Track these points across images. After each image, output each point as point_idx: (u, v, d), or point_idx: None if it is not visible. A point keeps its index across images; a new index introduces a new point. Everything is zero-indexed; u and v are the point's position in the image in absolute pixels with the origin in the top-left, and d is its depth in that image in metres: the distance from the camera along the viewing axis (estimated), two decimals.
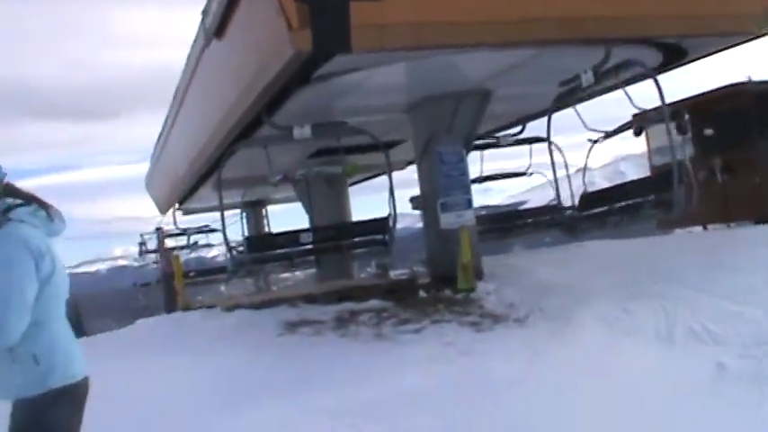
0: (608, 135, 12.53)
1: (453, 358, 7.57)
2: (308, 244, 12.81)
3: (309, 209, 16.58)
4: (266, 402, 6.59)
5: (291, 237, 13.07)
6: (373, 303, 10.38)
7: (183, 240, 28.74)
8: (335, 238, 13.43)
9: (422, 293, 11.20)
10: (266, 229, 21.79)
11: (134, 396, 7.28)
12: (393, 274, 15.58)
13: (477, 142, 14.23)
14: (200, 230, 27.95)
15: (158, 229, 23.39)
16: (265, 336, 9.34)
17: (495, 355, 7.46)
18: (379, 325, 9.26)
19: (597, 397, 5.96)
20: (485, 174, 15.41)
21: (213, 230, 26.81)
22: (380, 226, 12.80)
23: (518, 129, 14.84)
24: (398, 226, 12.84)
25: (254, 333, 9.55)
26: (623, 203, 11.67)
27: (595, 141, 13.16)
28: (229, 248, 13.68)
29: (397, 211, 12.44)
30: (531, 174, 14.84)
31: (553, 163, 13.82)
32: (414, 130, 12.72)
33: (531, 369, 6.89)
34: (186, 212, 24.35)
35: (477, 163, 14.83)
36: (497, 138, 14.87)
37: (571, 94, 11.13)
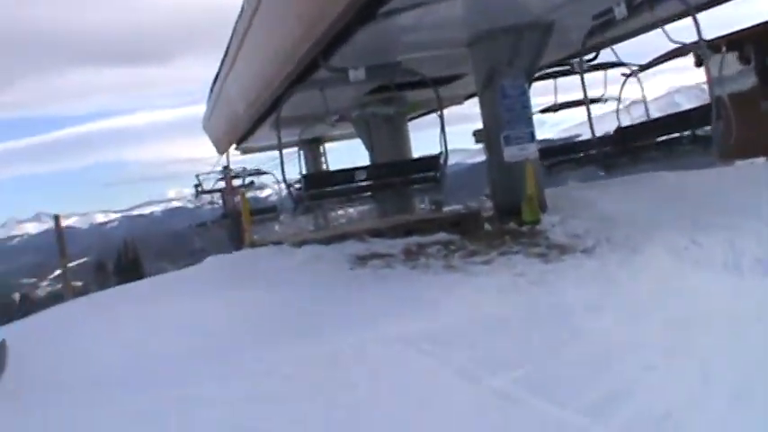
0: (643, 68, 12.36)
1: (525, 288, 7.72)
2: (362, 181, 13.10)
3: (369, 146, 16.73)
4: (343, 331, 6.76)
5: (347, 174, 13.26)
6: (440, 236, 10.56)
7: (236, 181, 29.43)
8: (389, 175, 13.59)
9: (487, 226, 11.37)
10: (324, 167, 21.94)
11: (205, 327, 7.60)
12: (446, 209, 15.79)
13: (550, 70, 14.17)
14: (250, 173, 28.55)
15: (226, 168, 23.58)
16: (337, 269, 9.56)
17: (568, 285, 7.59)
18: (448, 257, 9.45)
19: (672, 324, 6.06)
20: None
21: (264, 173, 27.34)
22: (432, 163, 12.98)
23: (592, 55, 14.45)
24: (452, 161, 12.99)
25: (326, 266, 9.79)
26: (661, 138, 11.47)
27: (629, 75, 13.00)
28: (288, 186, 13.98)
29: (450, 147, 12.64)
30: (606, 100, 14.53)
31: (587, 98, 13.69)
32: (474, 64, 12.70)
33: (605, 297, 6.99)
34: (244, 152, 24.69)
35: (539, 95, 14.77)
36: (572, 64, 14.61)
37: (604, 28, 10.90)
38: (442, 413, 4.67)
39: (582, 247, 9.33)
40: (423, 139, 18.38)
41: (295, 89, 12.76)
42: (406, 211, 16.22)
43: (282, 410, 4.94)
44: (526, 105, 12.02)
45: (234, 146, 23.44)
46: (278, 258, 10.65)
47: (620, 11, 9.85)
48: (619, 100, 13.60)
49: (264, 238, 16.07)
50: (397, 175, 13.40)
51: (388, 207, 16.15)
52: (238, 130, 20.38)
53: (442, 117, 13.02)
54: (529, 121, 11.97)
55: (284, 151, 15.02)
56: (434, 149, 13.01)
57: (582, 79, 12.39)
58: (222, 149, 25.52)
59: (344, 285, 8.79)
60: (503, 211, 11.98)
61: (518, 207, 11.29)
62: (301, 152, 21.07)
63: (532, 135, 11.89)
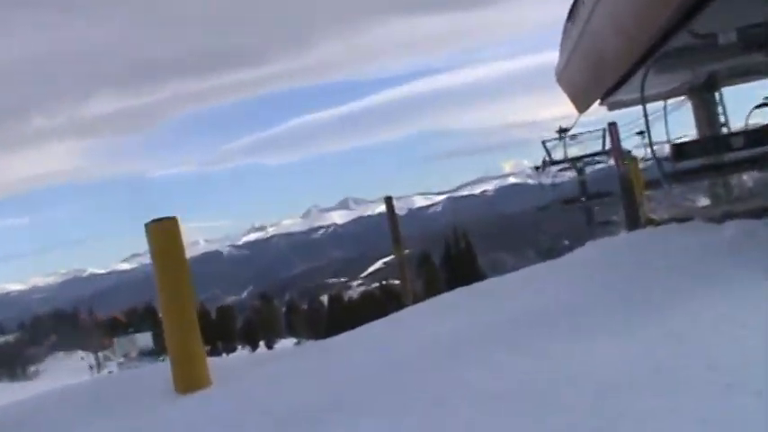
0: None
1: None
2: (739, 149, 11.36)
3: None
4: None
5: (720, 142, 12.24)
6: None
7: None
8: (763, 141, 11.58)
9: None
10: (722, 119, 18.04)
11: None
12: None
13: None
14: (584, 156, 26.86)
15: (612, 125, 21.17)
16: None
17: None
18: None
19: None
20: None
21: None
22: None
23: None
24: None
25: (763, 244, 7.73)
26: None
27: None
28: (656, 159, 12.25)
29: None
30: None
31: None
32: None
33: None
34: (611, 107, 21.89)
35: None
36: None
37: None
38: None
39: None
40: None
41: (653, 59, 11.92)
42: None
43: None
44: None
45: (598, 101, 20.66)
46: (693, 236, 8.71)
47: None
48: None
49: (675, 213, 14.01)
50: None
51: None
52: (606, 80, 17.78)
53: None
54: None
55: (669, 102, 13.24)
56: None
57: None
58: (583, 106, 22.57)
59: None
60: None
61: None
62: (690, 103, 18.10)
63: None
